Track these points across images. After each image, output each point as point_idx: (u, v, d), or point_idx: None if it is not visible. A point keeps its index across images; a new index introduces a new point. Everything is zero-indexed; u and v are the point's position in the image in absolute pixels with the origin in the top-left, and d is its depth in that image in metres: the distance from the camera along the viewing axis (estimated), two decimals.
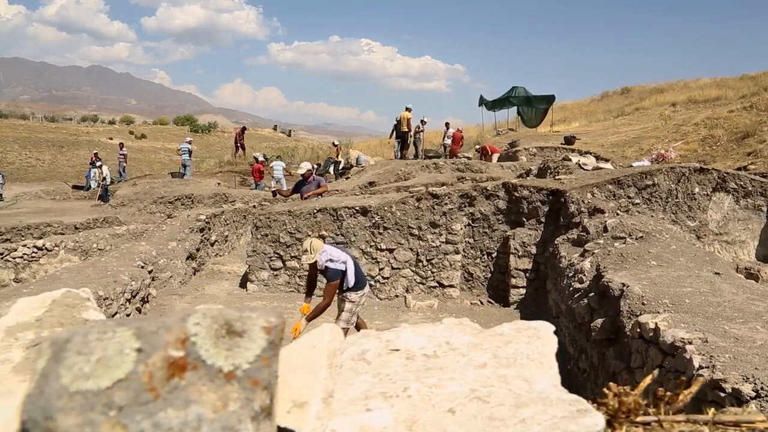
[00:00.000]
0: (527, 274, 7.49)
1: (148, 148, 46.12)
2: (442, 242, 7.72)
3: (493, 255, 7.85)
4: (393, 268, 7.76)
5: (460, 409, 0.61)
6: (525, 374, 0.65)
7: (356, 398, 0.64)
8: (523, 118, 25.50)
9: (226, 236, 10.39)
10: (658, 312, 3.92)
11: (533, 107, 24.32)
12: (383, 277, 7.75)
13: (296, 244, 7.81)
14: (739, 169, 10.78)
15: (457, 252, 7.73)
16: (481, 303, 7.71)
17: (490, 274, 7.88)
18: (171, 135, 53.10)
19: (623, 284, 4.60)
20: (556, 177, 8.40)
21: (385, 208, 7.71)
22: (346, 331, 4.83)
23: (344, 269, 4.82)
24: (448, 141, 19.27)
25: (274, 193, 9.09)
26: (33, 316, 0.82)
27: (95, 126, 59.93)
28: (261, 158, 18.65)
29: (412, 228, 7.71)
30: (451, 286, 7.72)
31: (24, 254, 8.91)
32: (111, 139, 45.59)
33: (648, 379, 0.79)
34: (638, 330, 3.82)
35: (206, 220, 9.27)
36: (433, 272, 7.73)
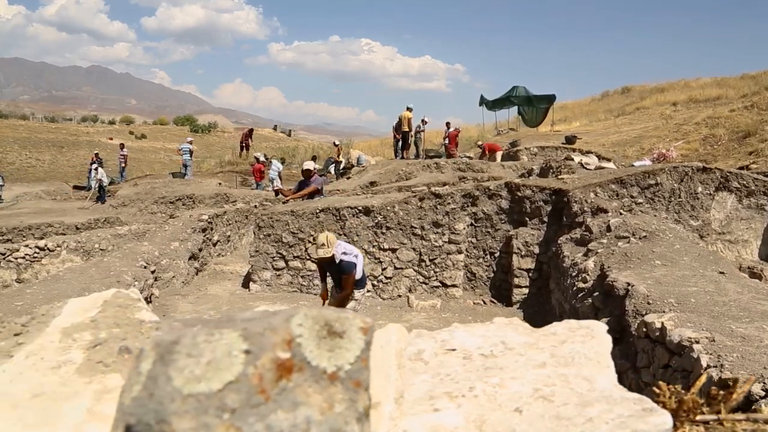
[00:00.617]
0: (530, 274, 7.48)
1: (148, 149, 46.10)
2: (445, 242, 7.72)
3: (496, 255, 7.85)
4: (396, 268, 7.75)
5: (527, 409, 0.61)
6: (585, 373, 0.65)
7: (420, 398, 0.64)
8: (523, 118, 25.50)
9: (229, 236, 10.38)
10: (664, 311, 3.92)
11: (534, 107, 24.31)
12: (386, 277, 7.75)
13: (299, 244, 7.81)
14: (740, 168, 10.78)
15: (459, 252, 7.73)
16: (484, 303, 7.70)
17: (492, 274, 7.88)
18: (171, 135, 53.08)
19: (628, 284, 4.60)
20: (559, 176, 8.40)
21: (388, 207, 7.71)
22: None
23: (356, 263, 4.91)
24: (448, 141, 19.28)
25: (277, 193, 9.08)
26: (86, 316, 0.81)
27: (95, 126, 59.91)
28: (262, 158, 18.65)
29: (415, 228, 7.70)
30: (454, 285, 7.72)
31: (26, 254, 8.90)
32: (111, 139, 45.57)
33: (703, 379, 0.79)
34: (644, 329, 3.82)
35: (208, 220, 9.26)
36: (435, 272, 7.72)
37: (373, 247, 7.73)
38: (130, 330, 0.77)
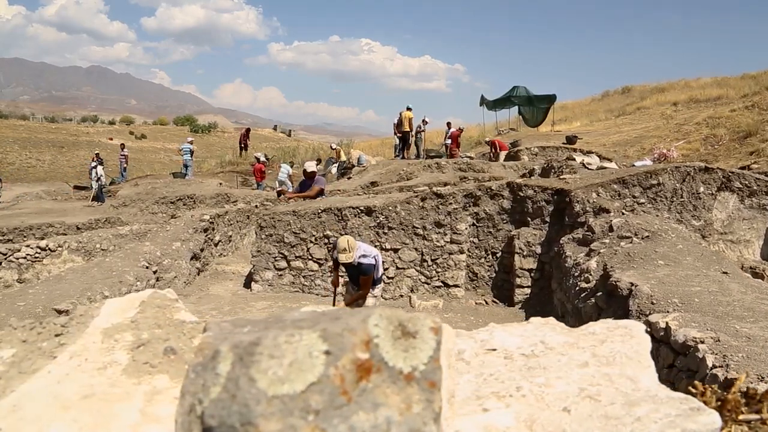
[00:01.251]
0: (532, 274, 7.48)
1: (148, 149, 46.10)
2: (447, 242, 7.71)
3: (498, 255, 7.85)
4: (398, 268, 7.75)
5: (575, 408, 0.60)
6: (628, 373, 0.65)
7: (468, 398, 0.64)
8: (524, 118, 25.50)
9: (230, 236, 10.38)
10: (668, 311, 3.92)
11: (534, 107, 24.31)
12: (388, 277, 7.75)
13: (301, 244, 7.81)
14: (742, 168, 10.77)
15: (461, 252, 7.73)
16: (486, 303, 7.70)
17: (494, 274, 7.87)
18: (171, 135, 53.09)
19: (631, 284, 4.59)
20: (561, 176, 8.40)
21: (390, 207, 7.70)
22: None
23: (375, 264, 5.01)
24: (449, 141, 19.28)
25: (279, 194, 9.07)
26: (125, 317, 0.81)
27: (95, 126, 59.91)
28: (262, 158, 18.65)
29: (417, 228, 7.70)
30: (456, 285, 7.71)
31: (27, 255, 8.88)
32: (111, 139, 45.58)
33: (743, 378, 0.79)
34: (648, 329, 3.81)
35: (210, 220, 9.26)
36: (437, 272, 7.72)
37: (375, 247, 7.73)
38: (172, 331, 0.77)
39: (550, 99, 24.23)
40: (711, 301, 4.08)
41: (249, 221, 11.25)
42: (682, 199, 7.40)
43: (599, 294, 5.15)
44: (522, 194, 7.70)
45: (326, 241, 7.75)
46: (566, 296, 6.40)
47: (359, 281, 5.07)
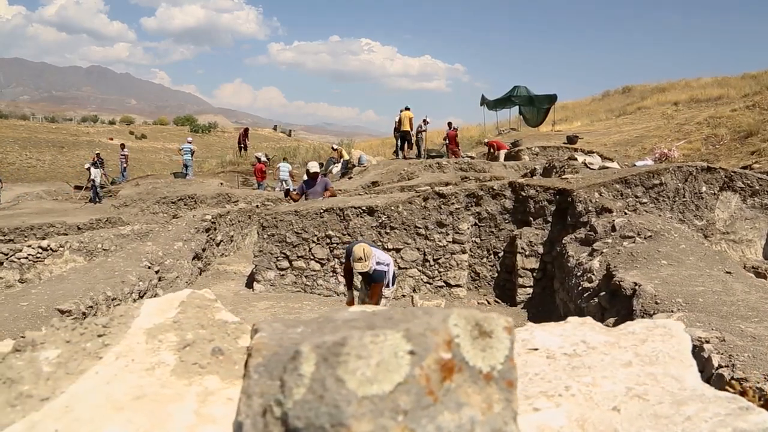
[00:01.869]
0: (534, 274, 7.47)
1: (148, 149, 46.10)
2: (449, 242, 7.71)
3: (500, 254, 7.84)
4: (400, 268, 7.74)
5: (624, 408, 0.60)
6: (672, 372, 0.65)
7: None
8: (525, 118, 25.49)
9: (232, 236, 10.38)
10: (672, 311, 3.91)
11: (535, 107, 24.30)
12: None
13: (303, 244, 7.80)
14: (743, 167, 10.77)
15: (463, 251, 7.72)
16: (488, 303, 7.70)
17: (496, 274, 7.87)
18: (171, 135, 53.08)
19: (635, 283, 4.59)
20: (563, 176, 8.39)
21: (392, 207, 7.70)
22: None
23: (387, 271, 5.03)
24: (448, 141, 19.28)
25: (286, 193, 9.05)
26: (166, 317, 0.80)
27: (95, 126, 59.90)
28: (263, 158, 18.64)
29: (419, 228, 7.70)
30: (458, 285, 7.71)
31: (29, 255, 8.88)
32: (111, 139, 45.57)
33: None
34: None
35: (212, 220, 9.25)
36: (440, 272, 7.72)
37: (377, 246, 7.72)
38: (216, 331, 0.76)
39: (551, 99, 24.23)
40: (715, 300, 4.08)
41: (250, 221, 11.25)
42: (685, 199, 7.40)
43: (602, 294, 5.15)
44: (524, 194, 7.70)
45: (328, 241, 7.74)
46: (569, 296, 6.40)
47: (370, 286, 5.07)
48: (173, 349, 0.71)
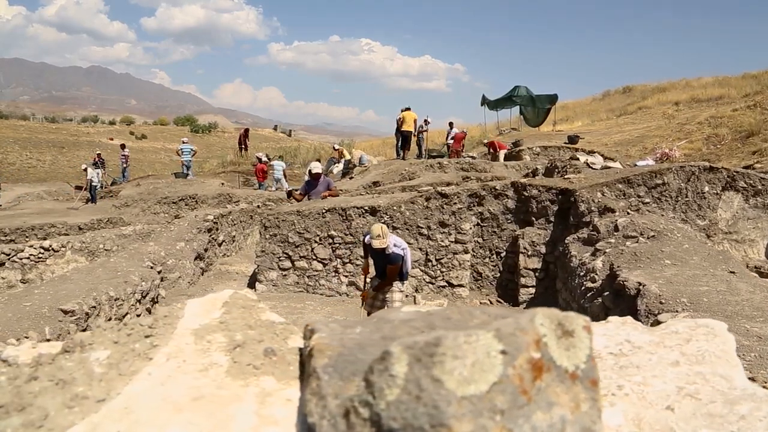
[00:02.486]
0: (537, 274, 7.47)
1: (148, 149, 46.11)
2: (452, 242, 7.71)
3: (502, 254, 7.84)
4: None
5: (678, 407, 0.60)
6: (719, 371, 0.64)
7: None
8: (525, 118, 25.48)
9: (234, 236, 10.37)
10: (677, 311, 3.91)
11: (536, 106, 24.29)
12: None
13: (305, 244, 7.80)
14: (745, 167, 10.77)
15: (466, 251, 7.72)
16: (490, 303, 7.70)
17: (499, 274, 7.87)
18: (171, 135, 53.07)
19: (639, 283, 4.58)
20: (565, 176, 8.39)
21: (394, 207, 7.69)
22: None
23: (403, 255, 5.08)
24: (452, 140, 19.26)
25: (289, 194, 9.05)
26: (211, 318, 0.80)
27: (95, 126, 59.90)
28: (264, 158, 18.63)
29: (422, 228, 7.69)
30: (461, 285, 7.71)
31: (31, 255, 8.88)
32: (111, 139, 45.57)
33: None
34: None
35: (214, 220, 9.25)
36: (442, 272, 7.71)
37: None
38: (265, 332, 0.76)
39: (552, 99, 24.21)
40: (720, 300, 4.08)
41: (252, 221, 11.24)
42: (687, 199, 7.39)
43: (606, 294, 5.14)
44: (526, 194, 7.70)
45: (330, 241, 7.74)
46: (571, 296, 6.40)
47: (386, 271, 5.14)
48: (223, 350, 0.71)
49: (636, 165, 11.16)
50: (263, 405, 0.62)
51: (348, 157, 19.36)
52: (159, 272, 7.15)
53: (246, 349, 0.71)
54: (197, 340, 0.72)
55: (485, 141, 19.75)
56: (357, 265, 7.72)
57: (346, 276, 7.73)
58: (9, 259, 8.70)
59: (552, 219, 7.56)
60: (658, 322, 3.84)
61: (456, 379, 0.50)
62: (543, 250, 7.48)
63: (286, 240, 7.81)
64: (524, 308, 7.39)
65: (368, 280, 5.50)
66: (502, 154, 16.84)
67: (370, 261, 5.43)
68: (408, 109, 17.65)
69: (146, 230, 9.61)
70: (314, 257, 7.79)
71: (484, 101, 26.04)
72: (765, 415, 0.56)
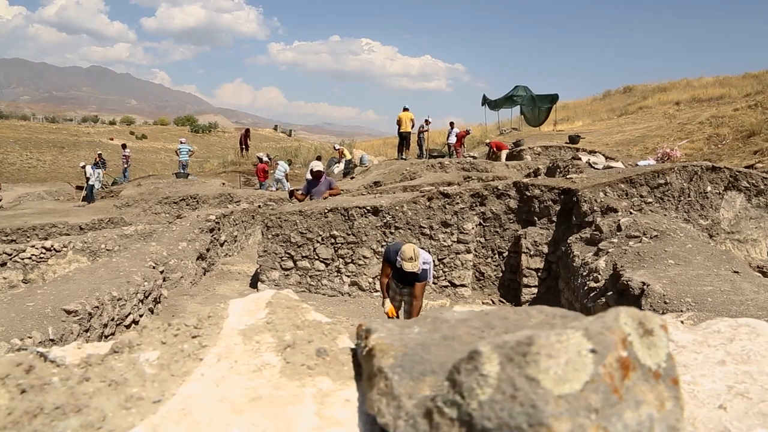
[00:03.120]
0: (539, 274, 7.47)
1: (149, 149, 46.12)
2: (454, 242, 7.70)
3: (505, 254, 7.83)
4: None
5: (730, 406, 0.60)
6: (767, 370, 0.64)
7: None
8: (526, 117, 25.49)
9: (235, 236, 10.37)
10: (682, 311, 3.90)
11: (537, 106, 24.30)
12: None
13: (307, 244, 7.79)
14: (746, 167, 10.76)
15: (468, 251, 7.71)
16: (493, 302, 7.69)
17: (501, 274, 7.86)
18: (172, 135, 53.07)
19: (643, 283, 4.58)
20: (567, 176, 8.38)
21: (397, 207, 7.69)
22: None
23: (429, 270, 5.06)
24: (453, 140, 19.27)
25: (291, 194, 9.05)
26: (257, 318, 0.79)
27: (96, 126, 59.91)
28: (265, 158, 18.64)
29: (424, 227, 7.69)
30: (463, 285, 7.70)
31: (32, 255, 8.87)
32: (112, 139, 45.58)
33: None
34: None
35: (216, 220, 9.24)
36: (444, 272, 7.71)
37: (382, 247, 7.71)
38: (313, 332, 0.75)
39: (553, 99, 24.22)
40: (724, 300, 4.07)
41: (254, 221, 11.24)
42: (690, 199, 7.39)
43: (610, 294, 5.14)
44: (529, 194, 7.69)
45: (333, 241, 7.73)
46: (574, 296, 6.39)
47: (412, 285, 5.01)
48: (274, 350, 0.70)
49: (637, 165, 11.15)
50: (323, 405, 0.62)
51: (349, 157, 19.35)
52: (161, 272, 7.15)
53: (297, 349, 0.70)
54: (245, 341, 0.72)
55: (487, 141, 19.76)
56: (359, 265, 7.71)
57: (348, 276, 7.73)
58: (11, 259, 8.70)
59: (554, 219, 7.56)
60: None
61: (551, 378, 0.50)
62: (545, 249, 7.47)
63: (288, 240, 7.81)
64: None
65: (387, 300, 5.29)
66: (503, 154, 16.84)
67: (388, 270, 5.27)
68: (406, 109, 17.67)
69: (148, 230, 9.61)
70: (316, 257, 7.78)
71: (485, 101, 26.05)
72: None
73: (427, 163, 14.97)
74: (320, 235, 7.75)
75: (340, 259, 7.72)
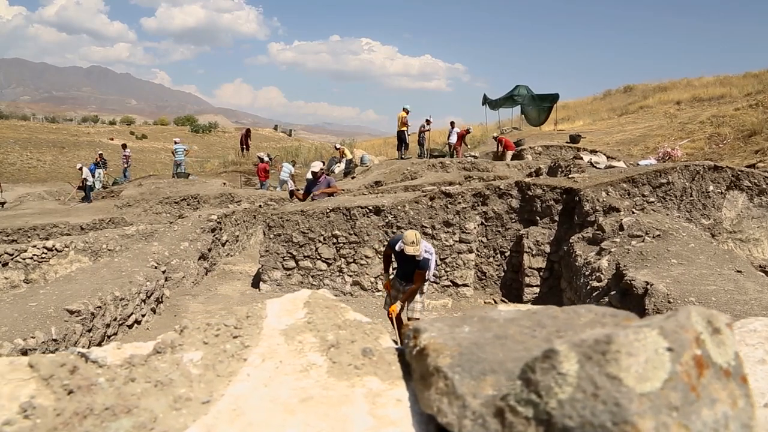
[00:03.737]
0: (541, 273, 7.46)
1: (149, 149, 46.11)
2: (456, 241, 7.70)
3: (507, 254, 7.83)
4: None
5: None
6: None
7: None
8: (526, 117, 25.48)
9: (237, 236, 10.36)
10: None
11: (537, 106, 24.28)
12: None
13: (309, 243, 7.79)
14: (748, 166, 10.76)
15: (470, 251, 7.71)
16: (495, 302, 7.69)
17: (503, 273, 7.86)
18: (172, 135, 52.98)
19: (647, 282, 4.57)
20: (569, 176, 8.38)
21: (398, 207, 7.69)
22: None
23: (431, 260, 5.10)
24: (454, 139, 19.26)
25: (291, 194, 9.05)
26: (296, 318, 0.79)
27: (96, 126, 59.89)
28: (266, 158, 18.63)
29: (426, 227, 7.68)
30: (465, 285, 7.70)
31: (34, 255, 8.87)
32: (112, 139, 45.57)
33: None
34: None
35: (217, 220, 9.24)
36: (446, 271, 7.70)
37: (383, 246, 7.71)
38: (356, 331, 0.75)
39: (553, 98, 24.21)
40: (728, 299, 4.07)
41: (255, 221, 11.23)
42: (692, 198, 7.38)
43: (613, 293, 5.13)
44: (531, 193, 7.69)
45: (335, 240, 7.73)
46: (576, 295, 6.39)
47: (412, 275, 5.13)
48: (318, 350, 0.70)
49: (638, 164, 11.15)
50: (375, 405, 0.62)
51: (349, 156, 19.34)
52: (163, 272, 7.14)
53: (341, 349, 0.70)
54: (288, 341, 0.71)
55: (495, 135, 19.71)
56: (361, 264, 7.71)
57: (350, 276, 7.72)
58: (12, 259, 8.69)
59: (556, 218, 7.55)
60: None
61: (633, 376, 0.50)
62: (547, 249, 7.47)
63: (290, 240, 7.81)
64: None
65: (391, 292, 5.43)
66: (509, 155, 16.84)
67: (392, 264, 5.39)
68: (403, 109, 17.69)
69: (149, 230, 9.60)
70: (318, 257, 7.78)
71: (485, 101, 26.03)
72: None
73: (428, 163, 14.97)
74: (322, 235, 7.75)
75: (342, 259, 7.72)
